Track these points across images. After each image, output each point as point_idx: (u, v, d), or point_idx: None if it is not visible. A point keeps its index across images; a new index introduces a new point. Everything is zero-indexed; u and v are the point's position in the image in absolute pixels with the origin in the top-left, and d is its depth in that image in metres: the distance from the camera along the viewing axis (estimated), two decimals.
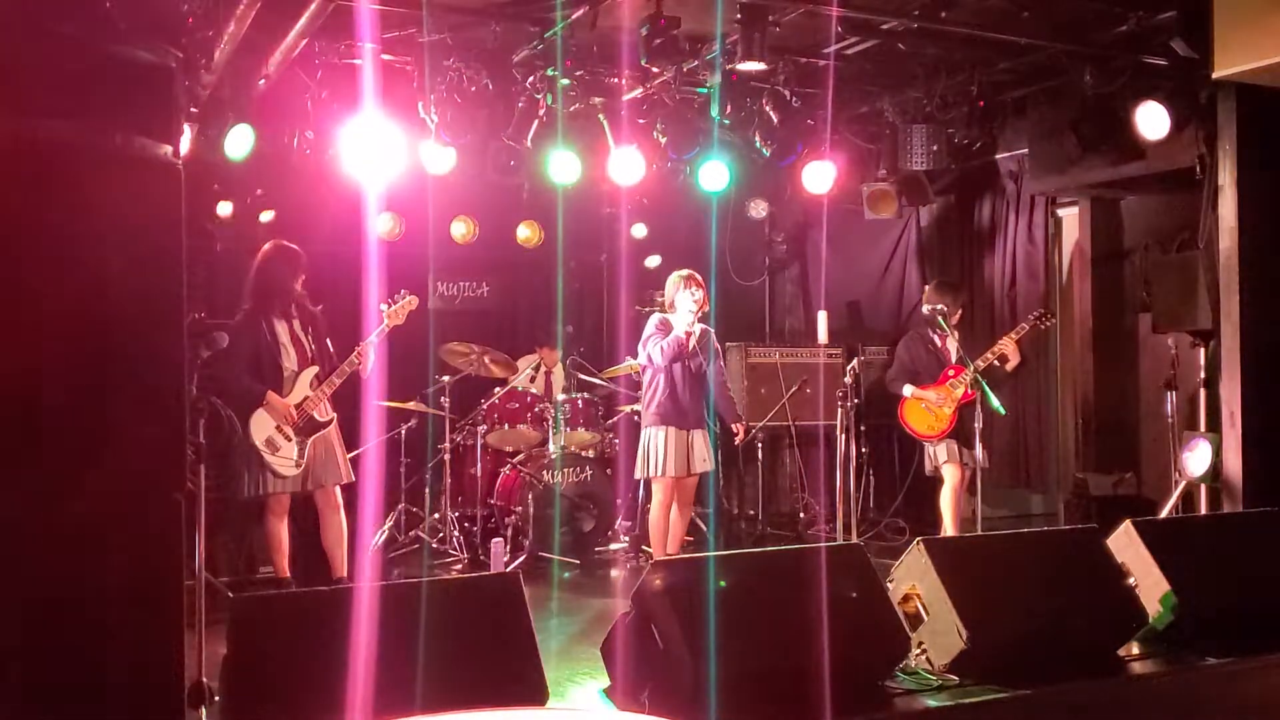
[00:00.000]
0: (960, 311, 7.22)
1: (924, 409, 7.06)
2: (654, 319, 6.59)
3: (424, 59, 6.48)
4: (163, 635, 3.13)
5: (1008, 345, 6.86)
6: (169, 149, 3.22)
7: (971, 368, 6.78)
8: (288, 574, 5.94)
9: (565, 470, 7.41)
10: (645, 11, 5.84)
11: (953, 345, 7.07)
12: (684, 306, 6.40)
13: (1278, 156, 6.27)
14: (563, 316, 8.85)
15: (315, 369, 5.91)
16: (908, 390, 7.14)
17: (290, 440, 5.78)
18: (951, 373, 7.03)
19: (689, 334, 6.35)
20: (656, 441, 6.46)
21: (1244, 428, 6.17)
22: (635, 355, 8.13)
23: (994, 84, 7.26)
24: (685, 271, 6.55)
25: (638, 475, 6.72)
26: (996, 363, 6.87)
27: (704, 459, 6.54)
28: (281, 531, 5.89)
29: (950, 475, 7.04)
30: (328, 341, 6.03)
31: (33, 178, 2.97)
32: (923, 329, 7.30)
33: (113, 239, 3.06)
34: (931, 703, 3.89)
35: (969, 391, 6.90)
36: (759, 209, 9.44)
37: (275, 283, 5.90)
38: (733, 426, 6.88)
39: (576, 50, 6.55)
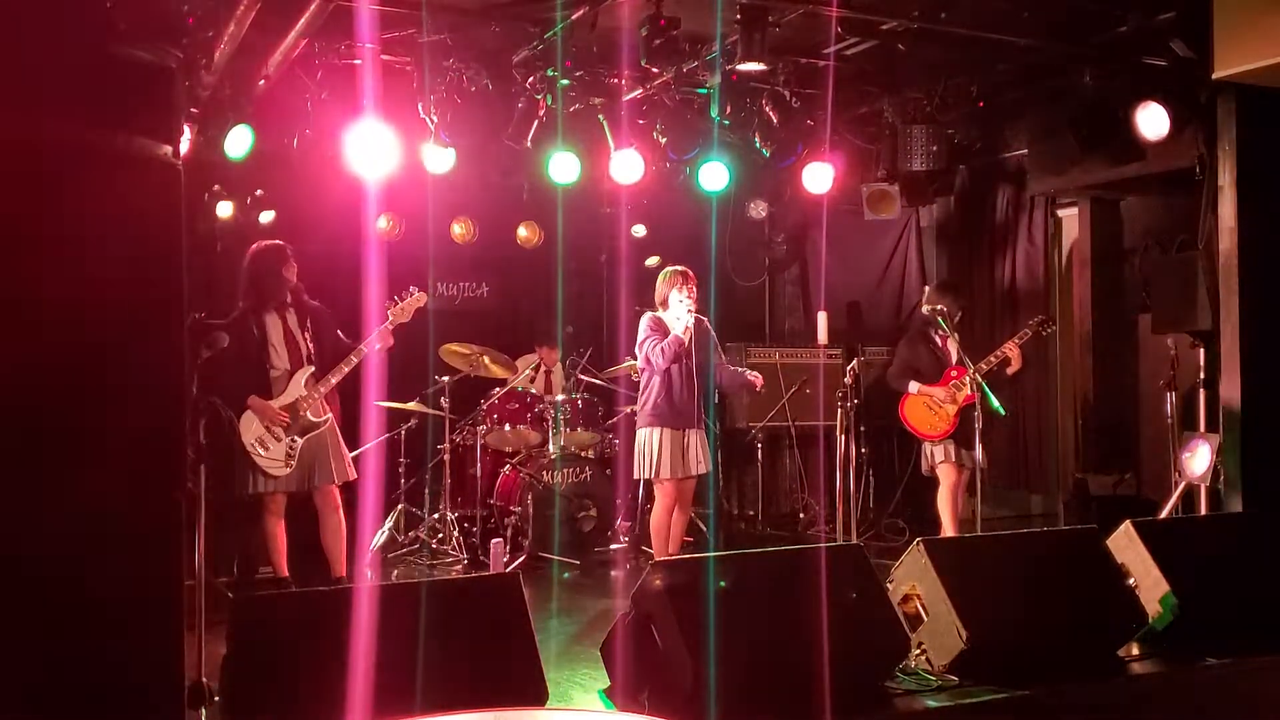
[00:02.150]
0: (960, 313, 7.21)
1: (927, 407, 7.06)
2: (646, 319, 6.43)
3: (424, 59, 6.48)
4: (163, 635, 3.13)
5: (1012, 350, 6.86)
6: (169, 149, 3.23)
7: (973, 370, 6.78)
8: (287, 574, 5.94)
9: (565, 470, 7.40)
10: (645, 12, 5.84)
11: (953, 347, 7.08)
12: (680, 307, 6.28)
13: (1277, 157, 6.27)
14: (563, 316, 8.85)
15: (310, 369, 5.90)
16: (913, 387, 7.13)
17: (280, 440, 5.77)
18: (954, 374, 7.03)
19: (688, 329, 6.23)
20: (652, 442, 6.34)
21: (1244, 428, 6.17)
22: (635, 355, 8.15)
23: (994, 84, 7.26)
24: (678, 268, 6.42)
25: (636, 476, 6.64)
26: (999, 366, 6.87)
27: (700, 460, 6.40)
28: (280, 531, 5.89)
29: (946, 476, 7.06)
30: (339, 332, 6.01)
31: (33, 178, 2.98)
32: (924, 329, 7.30)
33: (113, 239, 3.06)
34: (931, 703, 3.89)
35: (971, 393, 6.91)
36: (759, 209, 9.44)
37: (263, 281, 5.88)
38: (750, 379, 6.66)
39: (576, 51, 6.56)
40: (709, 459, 6.51)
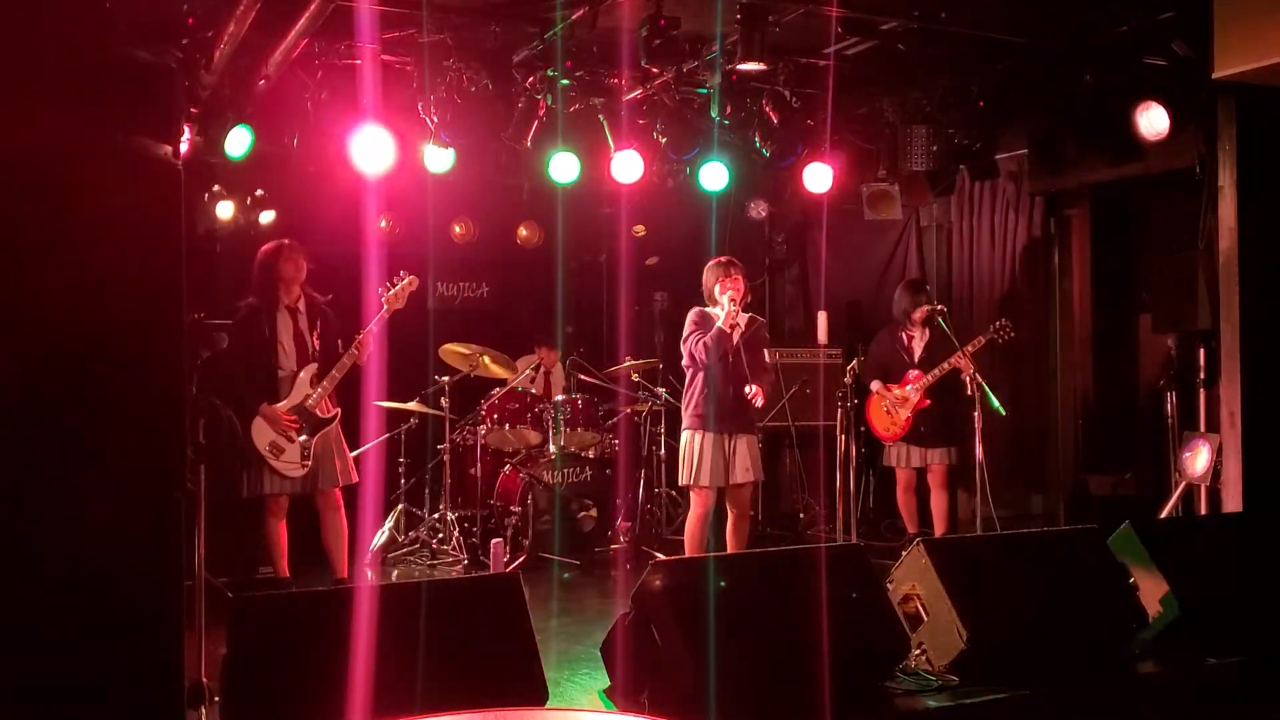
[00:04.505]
0: (929, 311, 7.23)
1: (884, 409, 7.28)
2: (692, 312, 6.15)
3: (424, 59, 6.48)
4: (163, 635, 3.13)
5: (959, 361, 6.89)
6: (169, 149, 3.23)
7: (973, 371, 6.80)
8: (287, 574, 5.94)
9: (565, 470, 7.40)
10: (645, 12, 5.84)
11: (919, 347, 7.19)
12: (722, 299, 5.96)
13: (1278, 157, 6.27)
14: (563, 316, 8.85)
15: (314, 366, 5.90)
16: (875, 385, 7.34)
17: (294, 441, 5.78)
18: (912, 377, 7.17)
19: (733, 327, 5.96)
20: (693, 446, 6.01)
21: (1244, 428, 6.17)
22: (635, 355, 8.14)
23: (994, 84, 7.25)
24: (721, 259, 6.14)
25: (680, 481, 6.35)
26: (950, 371, 6.91)
27: (746, 468, 5.98)
28: (281, 532, 5.89)
29: (898, 477, 7.35)
30: (339, 342, 6.01)
31: (32, 177, 2.98)
32: (894, 327, 7.40)
33: (113, 239, 3.06)
34: (931, 703, 3.90)
35: (925, 399, 7.12)
36: (759, 209, 9.44)
37: (277, 281, 5.89)
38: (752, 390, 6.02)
39: (576, 51, 6.55)
40: (759, 466, 6.11)
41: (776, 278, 10.13)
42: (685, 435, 6.11)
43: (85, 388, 3.04)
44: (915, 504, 7.37)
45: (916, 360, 7.24)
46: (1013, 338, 7.14)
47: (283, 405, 5.82)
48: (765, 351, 6.31)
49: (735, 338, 6.02)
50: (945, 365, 6.94)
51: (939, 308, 7.13)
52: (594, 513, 7.43)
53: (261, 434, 5.74)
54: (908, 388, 7.16)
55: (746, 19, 5.87)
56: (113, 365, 3.08)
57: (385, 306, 5.93)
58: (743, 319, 6.08)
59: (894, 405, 7.18)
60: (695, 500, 6.10)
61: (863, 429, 8.01)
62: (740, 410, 6.02)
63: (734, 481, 6.00)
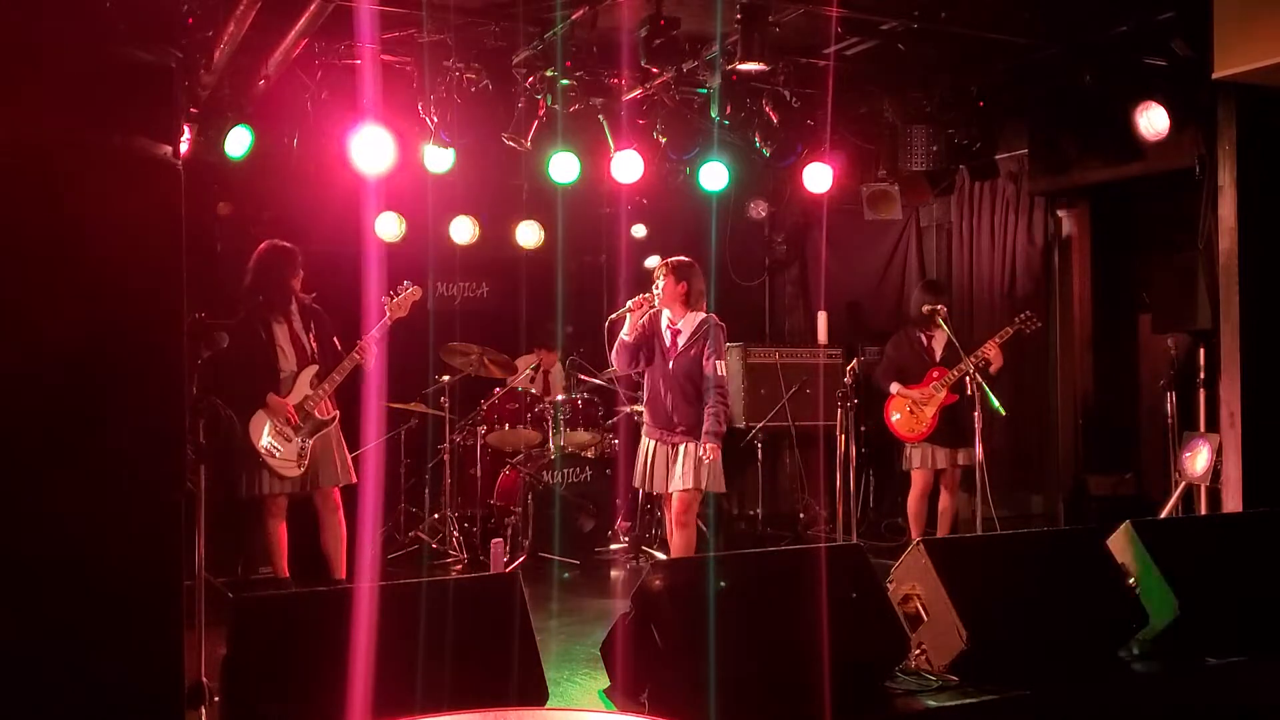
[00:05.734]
0: (945, 310, 7.22)
1: (907, 410, 7.17)
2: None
3: (424, 59, 6.49)
4: (163, 635, 3.12)
5: (991, 349, 6.88)
6: (169, 149, 3.22)
7: (970, 367, 6.79)
8: (287, 574, 5.94)
9: (565, 470, 7.40)
10: (645, 12, 5.85)
11: (939, 346, 7.16)
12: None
13: (1278, 156, 6.27)
14: (563, 316, 8.85)
15: (315, 367, 5.90)
16: (894, 388, 7.23)
17: (291, 440, 5.78)
18: (935, 375, 7.11)
19: (634, 327, 5.86)
20: (639, 451, 6.00)
21: (1244, 428, 6.17)
22: None
23: (994, 84, 7.26)
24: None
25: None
26: (980, 365, 6.88)
27: (680, 476, 5.70)
28: (280, 532, 5.89)
29: (915, 480, 7.21)
30: (335, 340, 6.01)
31: (32, 178, 2.97)
32: (910, 329, 7.35)
33: (113, 239, 3.06)
34: (931, 703, 3.90)
35: (951, 394, 7.02)
36: (759, 209, 9.45)
37: (271, 283, 5.87)
38: (705, 446, 5.69)
39: (576, 51, 6.55)
40: (700, 475, 5.70)
41: (776, 278, 10.14)
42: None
43: (85, 388, 3.04)
44: (926, 511, 7.25)
45: (938, 359, 7.19)
46: (1039, 327, 7.12)
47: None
48: (717, 362, 5.79)
49: (679, 343, 5.87)
50: (972, 358, 6.88)
51: (938, 307, 7.12)
52: (594, 512, 7.44)
53: (261, 431, 5.74)
54: (931, 385, 7.10)
55: (746, 19, 5.87)
56: (113, 365, 3.08)
57: (388, 314, 5.92)
58: (687, 323, 5.87)
59: (918, 404, 7.10)
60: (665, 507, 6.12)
61: (863, 429, 8.01)
62: (676, 416, 5.79)
63: (670, 489, 5.80)
